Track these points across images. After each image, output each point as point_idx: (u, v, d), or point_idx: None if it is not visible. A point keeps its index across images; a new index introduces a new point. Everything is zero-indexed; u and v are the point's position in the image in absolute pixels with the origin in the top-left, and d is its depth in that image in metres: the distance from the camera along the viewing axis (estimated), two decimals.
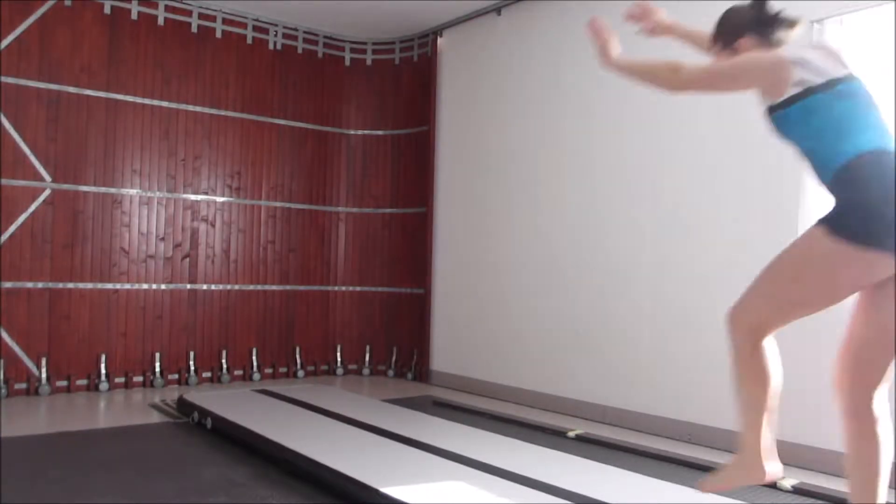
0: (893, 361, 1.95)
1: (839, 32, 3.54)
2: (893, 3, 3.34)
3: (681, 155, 4.26)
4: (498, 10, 5.52)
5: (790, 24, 2.10)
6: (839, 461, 3.43)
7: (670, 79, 2.12)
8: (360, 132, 6.59)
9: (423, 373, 6.01)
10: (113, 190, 5.35)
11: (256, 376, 5.87)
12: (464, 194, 5.81)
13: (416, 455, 3.16)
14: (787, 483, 3.03)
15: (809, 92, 1.92)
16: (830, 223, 1.84)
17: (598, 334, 4.66)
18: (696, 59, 2.31)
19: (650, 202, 4.41)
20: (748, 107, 3.94)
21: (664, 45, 2.74)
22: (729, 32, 2.17)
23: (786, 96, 1.95)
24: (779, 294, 1.99)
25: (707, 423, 3.99)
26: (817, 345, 3.59)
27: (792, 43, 2.10)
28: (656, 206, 4.38)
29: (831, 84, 1.91)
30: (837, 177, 1.87)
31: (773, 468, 2.07)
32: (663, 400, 4.24)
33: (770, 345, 2.07)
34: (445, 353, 5.90)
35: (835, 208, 1.87)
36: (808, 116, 1.93)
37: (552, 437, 3.92)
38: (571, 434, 3.95)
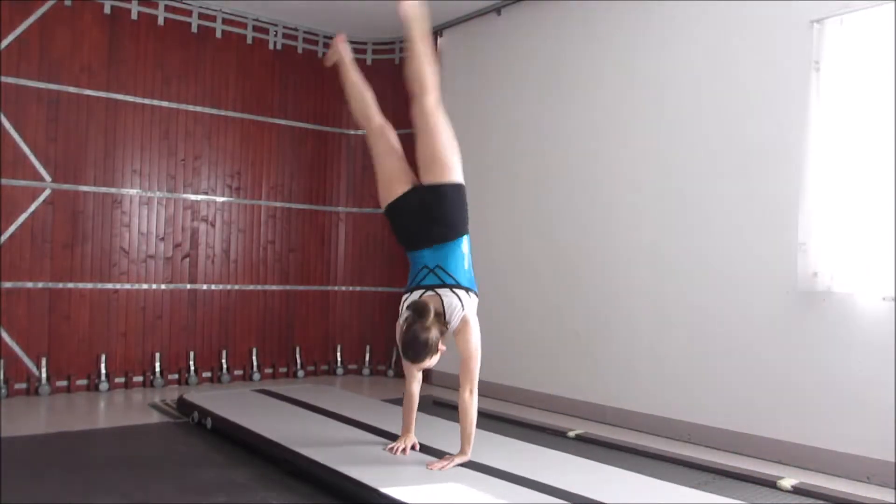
0: None
1: (839, 32, 3.54)
2: (893, 3, 3.34)
3: (681, 155, 4.26)
4: (498, 10, 5.52)
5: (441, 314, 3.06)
6: (839, 461, 3.45)
7: (475, 395, 3.17)
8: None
9: (423, 373, 6.00)
10: (113, 190, 5.35)
11: (256, 376, 5.87)
12: None
13: (416, 455, 3.16)
14: (787, 483, 3.03)
15: (475, 294, 3.16)
16: None
17: (598, 334, 4.66)
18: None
19: (651, 202, 4.41)
20: (747, 105, 3.95)
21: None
22: (431, 353, 3.07)
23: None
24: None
25: (707, 423, 3.99)
26: (816, 346, 3.59)
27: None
28: (657, 206, 4.38)
29: None
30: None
31: None
32: (663, 400, 4.24)
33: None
34: (445, 353, 5.88)
35: None
36: None
37: (552, 437, 3.92)
38: (571, 434, 3.94)
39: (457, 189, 3.19)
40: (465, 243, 3.16)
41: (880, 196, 3.35)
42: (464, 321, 2.99)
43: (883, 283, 3.31)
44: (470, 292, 3.03)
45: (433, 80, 3.33)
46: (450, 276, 3.05)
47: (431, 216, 3.11)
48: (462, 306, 2.98)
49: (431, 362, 3.02)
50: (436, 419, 4.08)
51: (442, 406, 4.74)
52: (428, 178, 3.21)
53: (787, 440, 3.66)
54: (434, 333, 2.92)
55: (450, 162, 3.24)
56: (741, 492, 2.97)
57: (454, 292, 3.01)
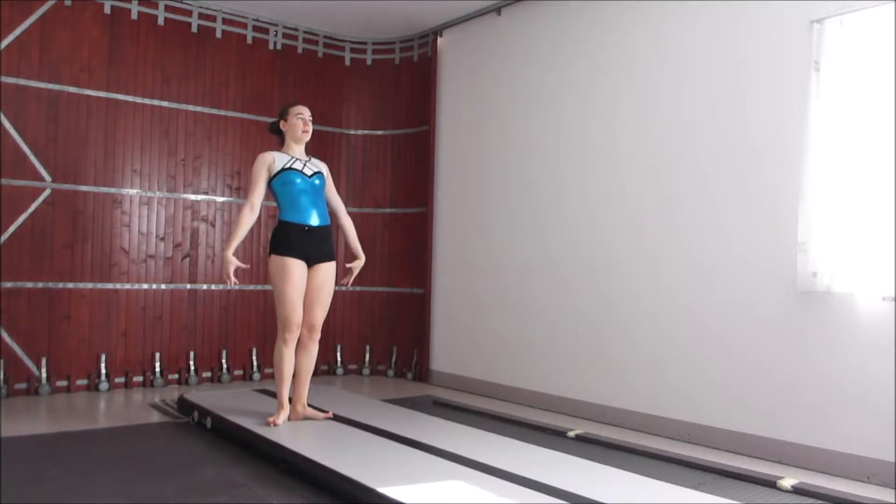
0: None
1: (839, 32, 3.53)
2: (893, 3, 3.34)
3: (680, 153, 4.26)
4: (498, 9, 5.52)
5: None
6: (839, 461, 3.44)
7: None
8: (360, 132, 6.59)
9: (423, 373, 6.01)
10: (113, 190, 5.35)
11: (256, 376, 5.87)
12: (464, 194, 5.81)
13: (416, 455, 3.16)
14: (787, 483, 3.03)
15: None
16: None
17: (598, 334, 4.66)
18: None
19: (650, 202, 4.41)
20: (747, 105, 3.95)
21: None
22: None
23: None
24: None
25: (707, 423, 3.99)
26: (816, 346, 3.59)
27: None
28: (656, 206, 4.38)
29: None
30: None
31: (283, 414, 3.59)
32: (663, 400, 4.24)
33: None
34: (445, 353, 5.90)
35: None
36: None
37: (552, 437, 3.92)
38: (571, 434, 3.94)
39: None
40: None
41: (880, 196, 3.35)
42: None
43: (883, 283, 3.31)
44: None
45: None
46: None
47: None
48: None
49: None
50: (436, 419, 4.08)
51: (442, 406, 4.74)
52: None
53: (787, 440, 3.65)
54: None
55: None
56: (741, 492, 2.97)
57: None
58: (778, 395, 3.72)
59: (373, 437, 3.50)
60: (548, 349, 4.98)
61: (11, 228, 4.94)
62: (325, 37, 6.39)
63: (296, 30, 6.22)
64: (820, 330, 3.58)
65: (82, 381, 5.19)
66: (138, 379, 5.39)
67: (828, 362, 3.54)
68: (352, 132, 6.55)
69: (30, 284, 5.01)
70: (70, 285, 5.17)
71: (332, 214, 4.09)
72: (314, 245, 3.90)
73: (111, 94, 5.34)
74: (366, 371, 6.39)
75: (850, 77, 3.49)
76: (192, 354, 5.64)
